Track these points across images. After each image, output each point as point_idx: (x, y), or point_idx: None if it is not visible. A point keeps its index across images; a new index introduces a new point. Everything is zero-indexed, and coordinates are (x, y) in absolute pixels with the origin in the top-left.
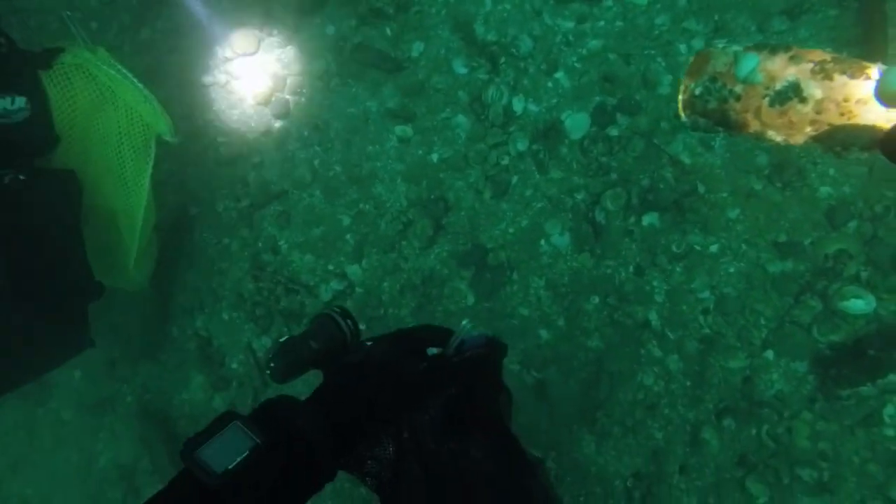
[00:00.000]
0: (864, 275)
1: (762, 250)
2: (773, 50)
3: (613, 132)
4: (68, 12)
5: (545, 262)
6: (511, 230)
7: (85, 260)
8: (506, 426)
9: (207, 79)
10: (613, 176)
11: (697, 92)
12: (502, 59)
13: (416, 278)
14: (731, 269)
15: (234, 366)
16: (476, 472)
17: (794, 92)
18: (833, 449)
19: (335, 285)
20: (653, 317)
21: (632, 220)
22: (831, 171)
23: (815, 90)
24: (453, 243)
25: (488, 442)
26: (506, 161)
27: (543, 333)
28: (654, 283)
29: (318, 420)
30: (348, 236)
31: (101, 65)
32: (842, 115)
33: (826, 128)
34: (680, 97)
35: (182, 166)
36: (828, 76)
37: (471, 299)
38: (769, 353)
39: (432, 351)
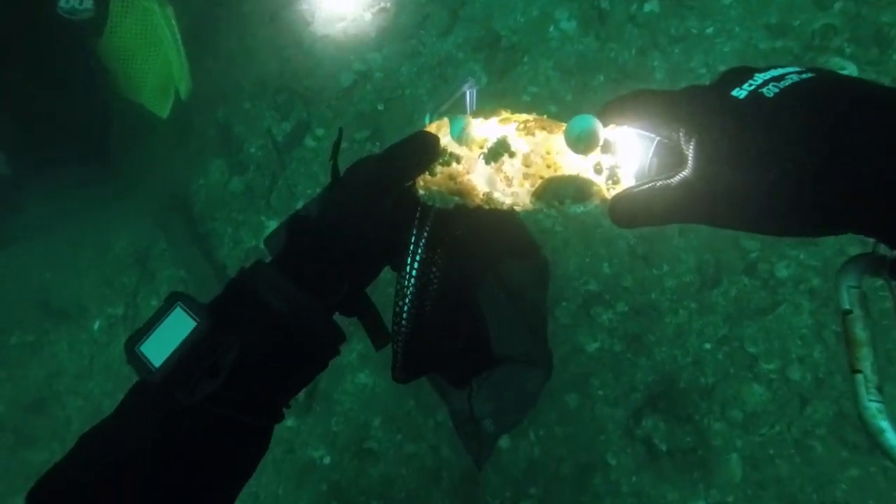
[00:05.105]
0: (847, 49)
1: (754, 31)
2: (486, 116)
3: None
4: None
5: (554, 45)
6: (522, 19)
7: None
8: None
9: None
10: None
11: None
12: None
13: (433, 61)
14: (726, 49)
15: (253, 150)
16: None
17: (502, 147)
18: None
19: (357, 66)
20: None
21: (634, 6)
22: None
23: (521, 145)
24: (468, 30)
25: None
26: None
27: (552, 108)
28: (655, 63)
29: (289, 288)
30: (370, 30)
31: (161, 18)
32: (548, 167)
33: (539, 181)
34: None
35: None
36: (530, 132)
37: (484, 80)
38: None
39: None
